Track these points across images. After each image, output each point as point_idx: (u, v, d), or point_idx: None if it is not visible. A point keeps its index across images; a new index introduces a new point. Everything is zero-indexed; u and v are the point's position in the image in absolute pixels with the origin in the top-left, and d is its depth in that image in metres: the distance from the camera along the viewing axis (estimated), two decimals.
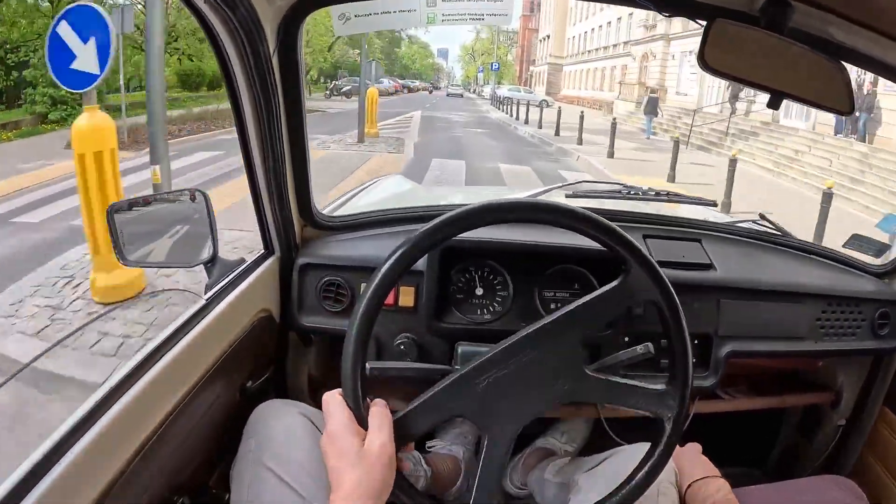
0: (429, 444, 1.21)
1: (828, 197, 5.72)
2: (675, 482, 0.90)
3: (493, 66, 42.97)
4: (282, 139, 0.93)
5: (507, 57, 59.57)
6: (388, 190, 1.85)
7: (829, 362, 1.35)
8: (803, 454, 1.40)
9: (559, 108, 17.20)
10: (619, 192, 1.25)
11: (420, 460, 1.12)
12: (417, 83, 49.27)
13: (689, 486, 0.93)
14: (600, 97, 29.76)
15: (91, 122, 3.16)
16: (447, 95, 42.26)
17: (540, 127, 16.02)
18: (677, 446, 0.92)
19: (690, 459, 0.98)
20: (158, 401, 0.74)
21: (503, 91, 31.66)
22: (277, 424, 0.81)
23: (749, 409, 1.30)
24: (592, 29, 35.41)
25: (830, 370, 1.35)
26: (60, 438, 0.60)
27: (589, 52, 35.71)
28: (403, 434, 0.62)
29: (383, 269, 0.63)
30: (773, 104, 0.87)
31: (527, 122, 17.73)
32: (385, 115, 15.33)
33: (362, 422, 0.61)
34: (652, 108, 15.91)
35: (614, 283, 0.69)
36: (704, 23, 0.80)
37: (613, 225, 0.68)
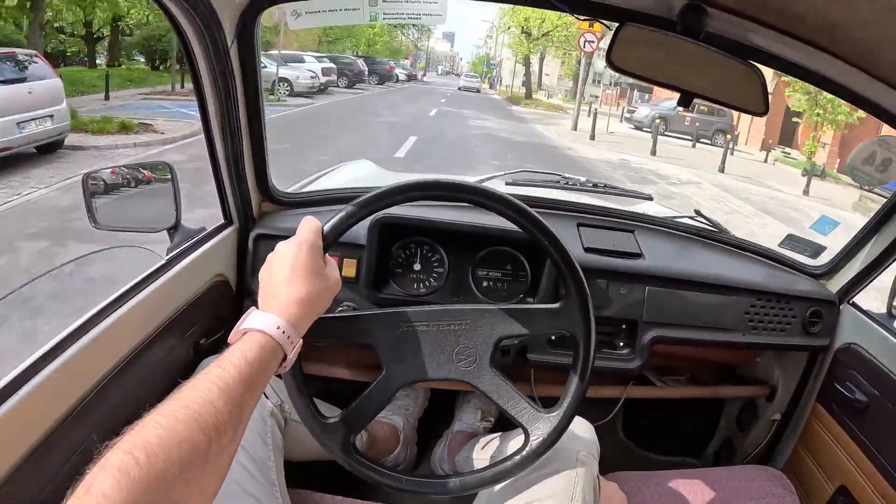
0: None
1: None
2: (596, 455, 0.92)
3: None
4: (239, 122, 1.02)
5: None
6: (353, 172, 1.94)
7: (766, 358, 1.40)
8: (739, 446, 1.44)
9: None
10: (557, 182, 1.31)
11: None
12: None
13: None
14: None
15: None
16: (459, 89, 28.48)
17: None
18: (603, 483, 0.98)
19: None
20: (113, 347, 0.81)
21: None
22: None
23: (681, 397, 1.35)
24: None
25: (768, 366, 1.39)
26: (16, 376, 0.65)
27: None
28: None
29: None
30: (684, 102, 0.94)
31: None
32: None
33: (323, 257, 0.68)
34: None
35: (551, 306, 0.78)
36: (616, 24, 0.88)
37: (523, 205, 0.76)
